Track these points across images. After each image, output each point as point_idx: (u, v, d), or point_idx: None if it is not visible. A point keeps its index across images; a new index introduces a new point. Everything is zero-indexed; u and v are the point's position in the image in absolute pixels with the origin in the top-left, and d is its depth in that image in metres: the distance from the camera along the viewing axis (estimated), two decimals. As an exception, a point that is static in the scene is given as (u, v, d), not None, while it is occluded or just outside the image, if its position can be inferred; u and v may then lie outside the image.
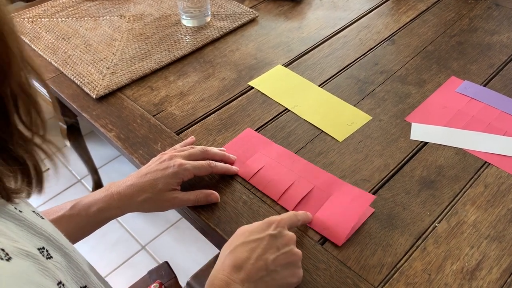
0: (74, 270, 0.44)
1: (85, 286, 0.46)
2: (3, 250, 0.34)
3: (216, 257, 1.43)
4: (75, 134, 1.44)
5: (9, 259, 0.34)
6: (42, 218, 0.45)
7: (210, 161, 0.67)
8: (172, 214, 1.61)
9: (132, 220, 1.62)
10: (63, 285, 0.39)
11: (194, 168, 0.65)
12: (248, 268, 0.51)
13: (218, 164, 0.68)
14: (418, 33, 0.99)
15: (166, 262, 0.97)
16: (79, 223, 0.62)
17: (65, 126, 1.40)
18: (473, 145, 0.74)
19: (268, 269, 0.52)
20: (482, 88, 0.84)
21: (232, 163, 0.71)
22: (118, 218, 1.61)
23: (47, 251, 0.40)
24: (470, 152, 0.73)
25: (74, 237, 0.63)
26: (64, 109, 1.31)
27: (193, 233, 1.56)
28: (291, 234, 0.56)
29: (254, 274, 0.51)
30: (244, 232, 0.55)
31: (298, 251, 0.55)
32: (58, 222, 0.61)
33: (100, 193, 0.64)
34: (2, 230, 0.36)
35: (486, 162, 0.72)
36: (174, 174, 0.64)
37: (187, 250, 1.52)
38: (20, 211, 0.41)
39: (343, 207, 0.64)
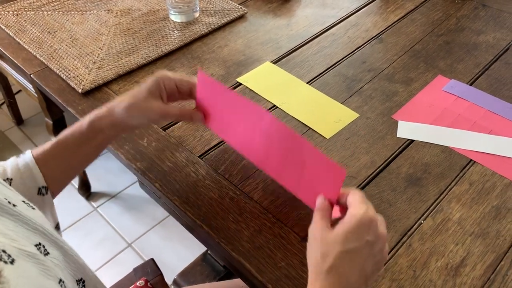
0: (70, 263, 0.44)
1: (81, 279, 0.45)
2: (4, 251, 0.33)
3: (203, 255, 1.42)
4: (61, 130, 1.42)
5: (12, 261, 0.33)
6: (33, 208, 0.44)
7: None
8: (159, 212, 1.60)
9: (118, 217, 1.60)
10: (63, 282, 0.38)
11: (174, 75, 0.64)
12: (355, 285, 0.46)
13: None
14: (406, 32, 1.00)
15: (152, 259, 0.96)
16: (76, 142, 0.61)
17: (51, 122, 1.38)
18: (459, 143, 0.74)
19: (365, 281, 0.47)
20: (468, 87, 0.85)
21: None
22: (104, 215, 1.60)
23: (43, 246, 0.39)
24: (455, 150, 0.73)
25: (78, 159, 0.62)
26: (50, 104, 1.29)
27: (179, 231, 1.55)
28: (383, 235, 0.48)
29: None
30: (336, 239, 0.46)
31: (387, 250, 0.50)
32: (56, 149, 0.60)
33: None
34: (0, 229, 0.35)
35: (471, 160, 0.72)
36: (154, 80, 0.62)
37: (174, 248, 1.52)
38: (14, 205, 0.40)
39: (313, 188, 0.55)
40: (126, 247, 1.53)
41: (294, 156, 0.57)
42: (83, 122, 0.61)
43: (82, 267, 0.46)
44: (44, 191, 0.58)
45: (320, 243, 0.47)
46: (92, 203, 1.66)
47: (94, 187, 1.69)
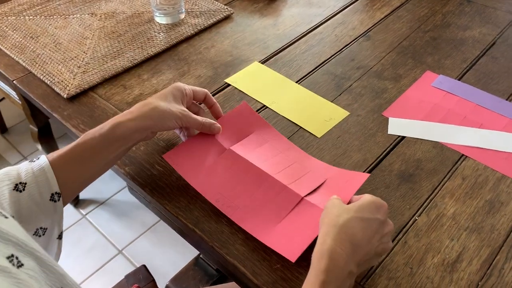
0: (48, 273, 0.42)
1: None
2: None
3: (195, 259, 1.40)
4: (46, 137, 1.40)
5: None
6: (6, 217, 0.42)
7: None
8: (149, 217, 1.58)
9: (107, 224, 1.58)
10: None
11: (193, 87, 0.69)
12: (362, 251, 0.50)
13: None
14: (393, 28, 1.00)
15: (144, 266, 0.94)
16: (96, 147, 0.60)
17: (36, 129, 1.36)
18: (450, 138, 0.74)
19: (370, 255, 0.52)
20: (457, 82, 0.85)
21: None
22: (93, 222, 1.57)
23: (16, 258, 0.38)
24: (447, 145, 0.73)
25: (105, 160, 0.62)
26: (34, 111, 1.27)
27: (170, 236, 1.54)
28: (392, 224, 0.56)
29: (363, 257, 0.51)
30: (351, 207, 0.53)
31: (391, 243, 0.56)
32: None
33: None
34: None
35: (463, 155, 0.72)
36: (176, 85, 0.67)
37: (165, 254, 1.50)
38: None
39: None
40: (116, 254, 1.50)
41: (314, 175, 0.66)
42: (104, 126, 0.61)
43: (61, 276, 0.44)
44: (57, 198, 0.57)
45: (337, 208, 0.53)
46: (81, 210, 1.63)
47: (82, 194, 1.67)
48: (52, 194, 0.57)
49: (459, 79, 0.86)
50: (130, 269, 1.45)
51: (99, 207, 1.64)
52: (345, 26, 1.00)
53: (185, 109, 0.66)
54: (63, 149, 0.60)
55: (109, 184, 1.70)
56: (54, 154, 0.59)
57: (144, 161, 0.70)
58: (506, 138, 0.74)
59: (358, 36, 0.98)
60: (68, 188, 0.59)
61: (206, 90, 0.71)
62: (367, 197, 0.54)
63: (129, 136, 0.62)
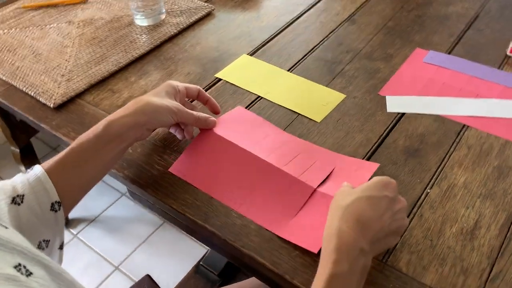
0: (58, 282, 0.40)
1: None
2: None
3: (196, 267, 1.37)
4: (29, 157, 1.35)
5: None
6: (6, 227, 0.40)
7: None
8: (142, 230, 1.54)
9: (100, 241, 1.53)
10: None
11: (185, 84, 0.68)
12: (373, 228, 0.49)
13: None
14: (377, 10, 0.99)
15: (148, 275, 0.91)
16: (92, 148, 0.58)
17: (17, 150, 1.31)
18: (450, 110, 0.74)
19: (384, 232, 0.50)
20: (448, 56, 0.85)
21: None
22: (85, 241, 1.52)
23: (24, 267, 0.35)
24: (447, 117, 0.73)
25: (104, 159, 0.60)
26: (15, 132, 1.22)
27: (166, 246, 1.50)
28: (404, 201, 0.54)
29: (375, 235, 0.49)
30: (357, 189, 0.52)
31: (407, 219, 0.55)
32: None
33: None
34: None
35: (464, 125, 0.72)
36: (168, 83, 0.66)
37: (163, 264, 1.46)
38: None
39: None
40: (113, 270, 1.46)
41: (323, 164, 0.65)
42: (98, 126, 0.59)
43: (71, 284, 0.42)
44: (57, 207, 0.55)
45: (343, 193, 0.53)
46: (71, 230, 1.58)
47: (71, 214, 1.61)
48: (52, 204, 0.54)
49: (449, 53, 0.86)
50: (129, 284, 1.41)
51: (90, 225, 1.59)
52: (329, 13, 1.00)
53: (179, 104, 0.64)
54: (57, 155, 0.57)
55: (97, 201, 1.65)
56: (49, 162, 0.57)
57: (142, 162, 0.68)
58: (504, 104, 0.74)
59: (343, 21, 0.97)
60: (68, 195, 0.57)
61: (198, 87, 0.70)
62: (373, 178, 0.54)
63: (124, 133, 0.59)
